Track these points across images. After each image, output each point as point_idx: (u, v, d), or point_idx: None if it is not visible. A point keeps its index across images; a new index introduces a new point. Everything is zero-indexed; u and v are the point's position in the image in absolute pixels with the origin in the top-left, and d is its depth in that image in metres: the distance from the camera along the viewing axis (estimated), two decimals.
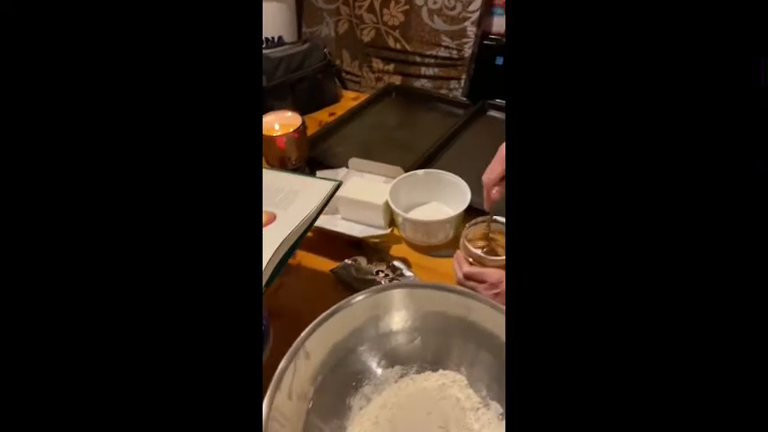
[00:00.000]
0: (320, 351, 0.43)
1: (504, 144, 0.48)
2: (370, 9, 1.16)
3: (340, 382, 0.45)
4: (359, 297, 0.45)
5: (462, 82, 1.12)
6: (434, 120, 0.95)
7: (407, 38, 1.14)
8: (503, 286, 0.47)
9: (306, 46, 0.97)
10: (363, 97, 1.03)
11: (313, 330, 0.43)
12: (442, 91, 1.14)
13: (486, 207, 0.50)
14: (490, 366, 0.45)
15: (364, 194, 0.67)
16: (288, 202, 0.48)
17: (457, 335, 0.46)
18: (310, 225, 0.46)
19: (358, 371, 0.46)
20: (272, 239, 0.42)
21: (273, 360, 0.40)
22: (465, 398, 0.45)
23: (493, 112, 0.95)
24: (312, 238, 0.65)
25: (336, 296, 0.45)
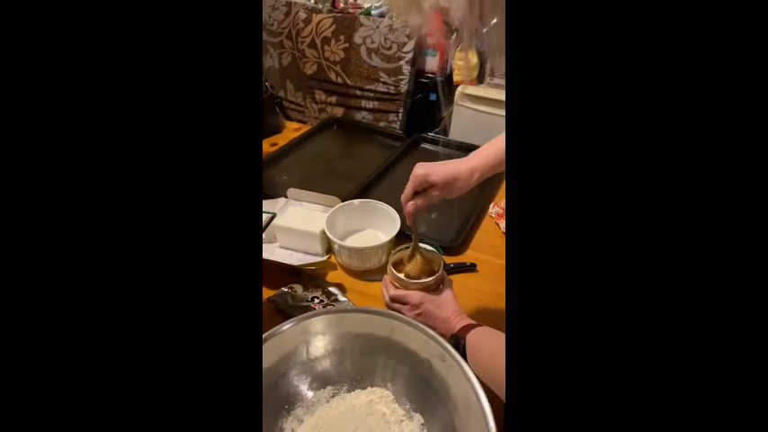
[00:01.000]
0: None
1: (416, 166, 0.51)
2: (312, 45, 1.22)
3: (272, 407, 0.47)
4: (288, 324, 0.48)
5: (400, 115, 1.20)
6: (373, 151, 1.01)
7: (348, 73, 1.21)
8: (424, 307, 0.52)
9: None
10: (305, 128, 1.08)
11: None
12: (382, 123, 1.21)
13: (408, 223, 0.54)
14: (413, 381, 0.49)
15: (302, 223, 0.70)
16: None
17: (383, 353, 0.50)
18: None
19: (290, 394, 0.49)
20: None
21: None
22: (390, 412, 0.49)
23: (426, 145, 1.03)
24: None
25: (273, 324, 0.48)
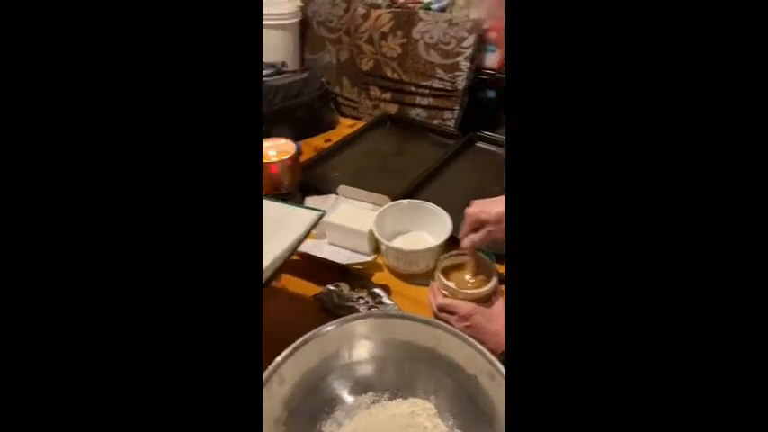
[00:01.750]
0: (294, 376, 0.45)
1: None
2: (369, 40, 1.21)
3: (313, 408, 0.47)
4: (331, 326, 0.47)
5: (455, 113, 1.16)
6: (426, 149, 0.99)
7: (404, 68, 1.19)
8: (473, 319, 0.49)
9: (305, 75, 1.01)
10: (359, 125, 1.07)
11: (288, 356, 0.45)
12: (436, 120, 1.18)
13: (468, 255, 0.54)
14: (458, 396, 0.46)
15: (351, 221, 0.70)
16: (270, 232, 0.51)
17: (427, 364, 0.48)
18: (290, 254, 0.49)
19: (330, 397, 0.48)
20: None
21: None
22: (432, 426, 0.46)
23: (481, 144, 0.98)
24: (299, 261, 0.68)
25: (318, 322, 0.47)
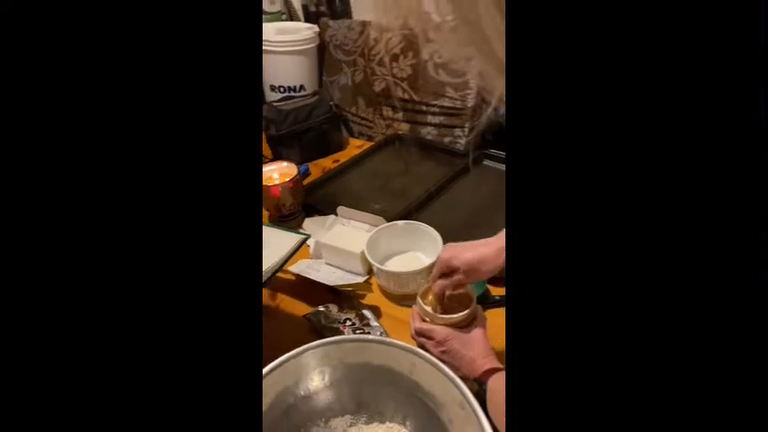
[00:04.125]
0: (270, 395, 0.47)
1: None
2: (381, 62, 1.24)
3: (288, 428, 0.48)
4: (308, 348, 0.48)
5: (466, 131, 1.15)
6: (433, 169, 0.99)
7: (415, 88, 1.20)
8: (449, 344, 0.49)
9: (314, 99, 1.05)
10: (368, 145, 1.09)
11: (267, 374, 0.46)
12: (447, 139, 1.18)
13: (430, 279, 0.53)
14: (431, 424, 0.46)
15: (345, 242, 0.71)
16: None
17: (402, 389, 0.48)
18: (271, 276, 0.51)
19: (307, 418, 0.49)
20: None
21: None
22: None
23: (488, 162, 0.97)
24: (294, 281, 0.70)
25: (306, 342, 0.49)
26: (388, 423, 0.49)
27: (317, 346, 0.49)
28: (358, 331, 0.59)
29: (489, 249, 0.47)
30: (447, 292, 0.52)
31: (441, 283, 0.50)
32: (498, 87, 0.20)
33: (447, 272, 0.50)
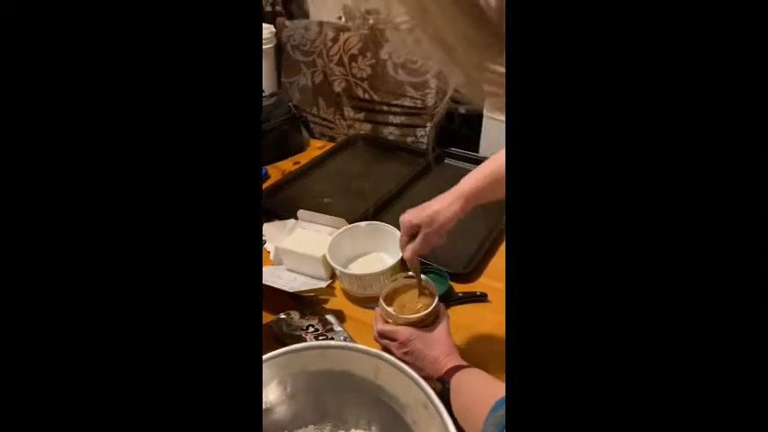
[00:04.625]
0: None
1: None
2: (340, 62, 1.23)
3: None
4: (271, 357, 0.46)
5: (427, 130, 1.16)
6: (395, 168, 0.99)
7: (375, 88, 1.20)
8: (412, 345, 0.48)
9: (272, 100, 1.03)
10: (330, 146, 1.08)
11: None
12: (409, 138, 1.18)
13: (411, 270, 0.53)
14: (394, 427, 0.45)
15: (306, 247, 0.69)
16: None
17: (367, 394, 0.47)
18: None
19: (267, 430, 0.47)
20: None
21: None
22: None
23: (450, 161, 0.98)
24: None
25: (267, 352, 0.47)
26: (352, 430, 0.48)
27: (277, 355, 0.47)
28: (321, 337, 0.58)
29: (441, 203, 0.50)
30: (418, 259, 0.52)
31: (410, 246, 0.51)
32: (456, 85, 0.20)
33: (412, 233, 0.51)
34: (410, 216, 0.50)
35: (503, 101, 0.19)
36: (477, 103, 0.21)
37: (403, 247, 0.52)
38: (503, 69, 0.18)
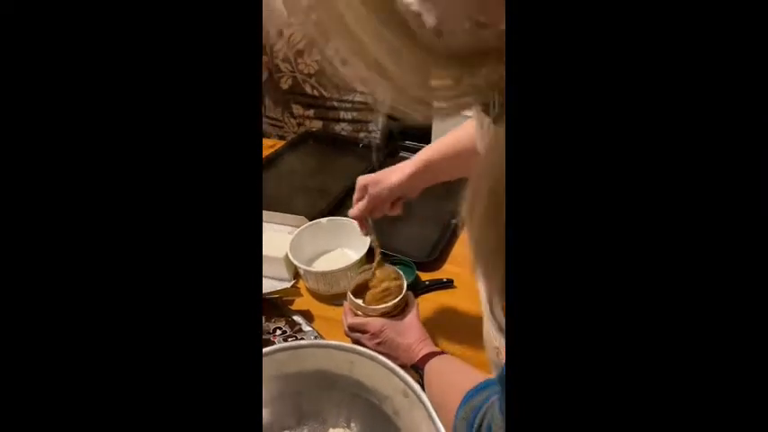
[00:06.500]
0: None
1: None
2: (285, 59, 1.20)
3: None
4: None
5: (380, 124, 1.16)
6: (350, 164, 0.98)
7: (323, 84, 1.18)
8: (384, 335, 0.48)
9: None
10: (280, 144, 1.04)
11: None
12: (362, 134, 1.17)
13: (363, 233, 0.55)
14: (376, 420, 0.45)
15: (266, 247, 0.67)
16: None
17: (343, 391, 0.46)
18: None
19: None
20: None
21: None
22: None
23: (405, 154, 0.99)
24: None
25: None
26: (331, 430, 0.47)
27: None
28: (290, 339, 0.56)
29: (393, 169, 0.53)
30: (371, 225, 0.54)
31: (359, 205, 0.53)
32: (380, 93, 0.19)
33: (362, 193, 0.52)
34: (362, 178, 0.53)
35: (450, 111, 0.19)
36: (416, 118, 0.21)
37: (355, 203, 0.53)
38: (449, 82, 0.18)
